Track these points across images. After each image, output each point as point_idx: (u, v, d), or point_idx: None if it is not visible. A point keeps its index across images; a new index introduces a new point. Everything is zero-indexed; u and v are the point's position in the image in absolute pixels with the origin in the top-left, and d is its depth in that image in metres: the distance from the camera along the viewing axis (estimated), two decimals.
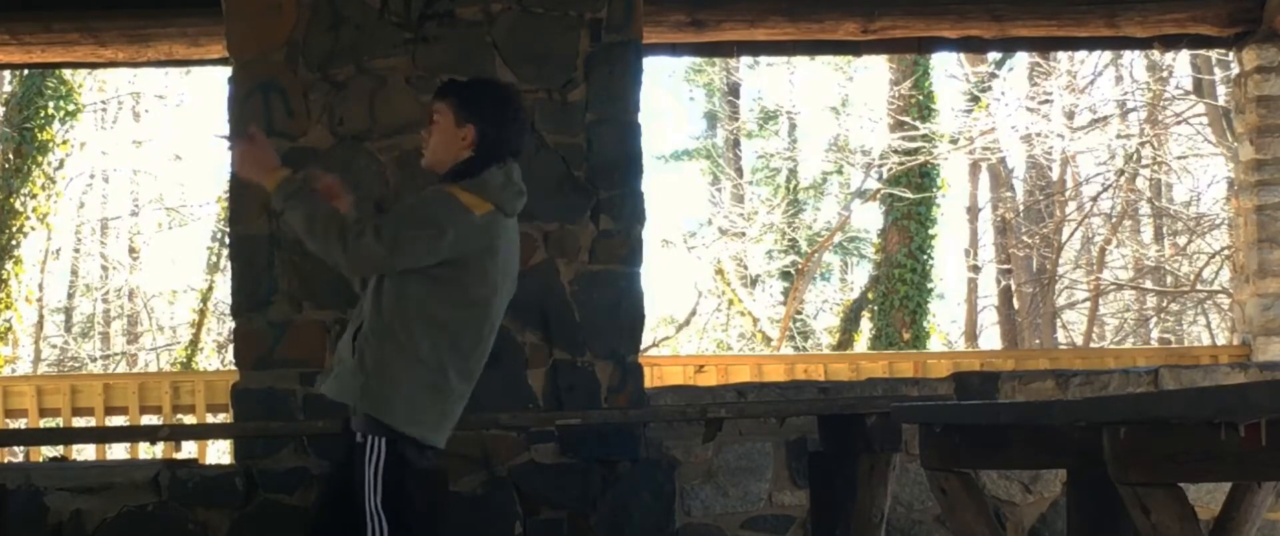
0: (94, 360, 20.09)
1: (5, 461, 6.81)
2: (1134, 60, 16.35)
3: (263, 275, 5.52)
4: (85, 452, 10.26)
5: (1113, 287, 17.49)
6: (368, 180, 5.46)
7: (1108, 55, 15.61)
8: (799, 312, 19.60)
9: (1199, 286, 15.99)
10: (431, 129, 3.92)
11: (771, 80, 20.96)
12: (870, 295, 16.24)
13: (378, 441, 3.67)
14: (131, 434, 7.20)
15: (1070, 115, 15.93)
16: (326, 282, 5.49)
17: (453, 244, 3.72)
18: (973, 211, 18.96)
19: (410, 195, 4.14)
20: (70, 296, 21.63)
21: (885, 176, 15.51)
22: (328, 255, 3.76)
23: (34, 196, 13.87)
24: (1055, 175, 17.63)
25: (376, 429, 3.69)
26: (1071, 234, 17.56)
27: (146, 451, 10.91)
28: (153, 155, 20.53)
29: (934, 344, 15.85)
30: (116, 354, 20.88)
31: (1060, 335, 18.12)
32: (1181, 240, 17.31)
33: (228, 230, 6.21)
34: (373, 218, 3.88)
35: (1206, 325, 17.70)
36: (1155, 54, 12.31)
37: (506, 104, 3.95)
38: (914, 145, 14.85)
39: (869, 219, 18.71)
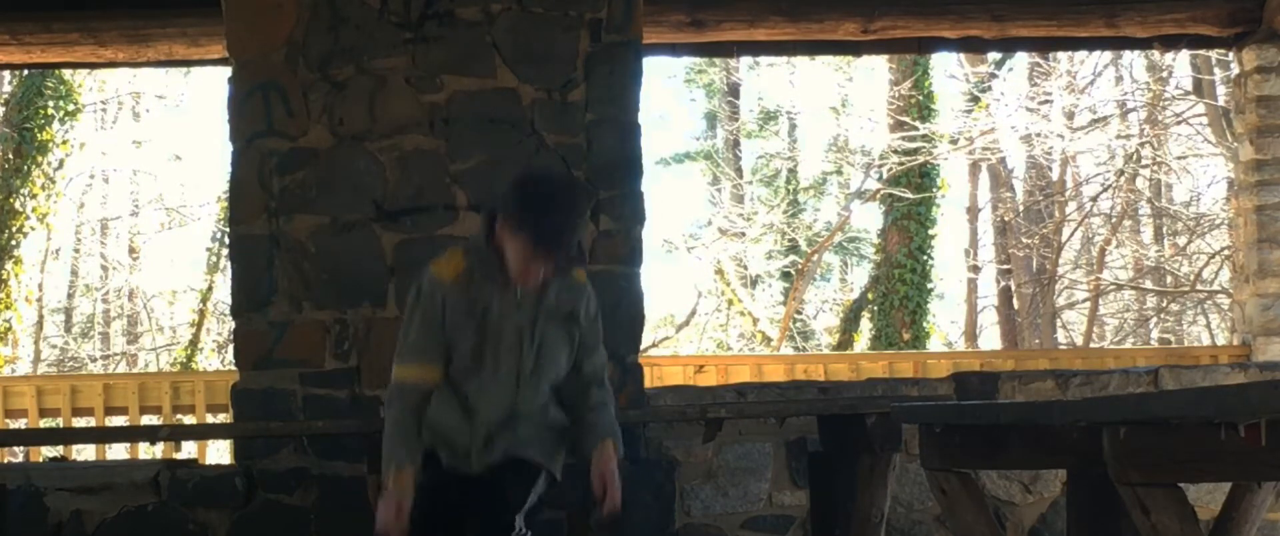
0: (94, 360, 20.08)
1: (5, 461, 6.81)
2: (1134, 60, 16.35)
3: (263, 275, 5.52)
4: (85, 452, 10.25)
5: (1113, 288, 17.48)
6: (368, 180, 5.46)
7: (1107, 55, 15.60)
8: (799, 313, 19.59)
9: (1199, 286, 15.99)
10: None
11: (771, 80, 20.94)
12: (870, 295, 16.24)
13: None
14: (131, 434, 7.21)
15: (1070, 115, 15.92)
16: (326, 283, 5.50)
17: None
18: (973, 211, 18.95)
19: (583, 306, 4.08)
20: (70, 296, 21.62)
21: (885, 176, 15.50)
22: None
23: (34, 196, 13.87)
24: (1055, 175, 17.62)
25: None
26: (1071, 234, 17.56)
27: (146, 451, 10.90)
28: (153, 155, 20.51)
29: (934, 344, 15.86)
30: (116, 354, 20.87)
31: (1060, 335, 18.11)
32: (1181, 240, 17.31)
33: (228, 230, 6.21)
34: (597, 357, 4.02)
35: (1206, 325, 17.70)
36: (1155, 54, 12.31)
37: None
38: (914, 145, 14.84)
39: (869, 219, 18.74)
